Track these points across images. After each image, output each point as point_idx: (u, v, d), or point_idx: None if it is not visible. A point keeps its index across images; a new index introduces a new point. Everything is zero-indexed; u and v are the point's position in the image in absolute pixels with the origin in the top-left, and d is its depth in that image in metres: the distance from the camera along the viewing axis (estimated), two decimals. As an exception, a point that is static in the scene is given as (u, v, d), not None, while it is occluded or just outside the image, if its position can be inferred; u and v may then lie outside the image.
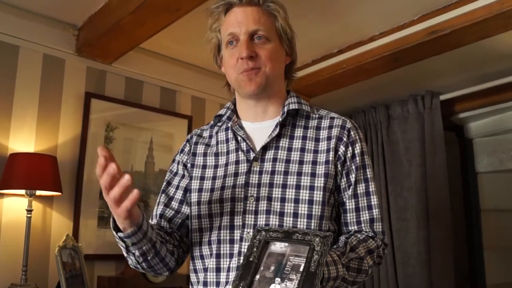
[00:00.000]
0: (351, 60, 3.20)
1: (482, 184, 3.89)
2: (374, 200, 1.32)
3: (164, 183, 1.46)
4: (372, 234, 1.29)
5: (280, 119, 1.33)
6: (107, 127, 3.07)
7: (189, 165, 1.43)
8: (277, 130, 1.32)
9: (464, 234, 4.03)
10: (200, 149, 1.44)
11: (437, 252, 3.55)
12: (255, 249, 1.05)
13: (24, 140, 2.71)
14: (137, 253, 1.22)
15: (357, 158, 1.32)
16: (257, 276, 1.00)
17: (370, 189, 1.32)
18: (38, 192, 2.56)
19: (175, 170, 1.46)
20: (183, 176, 1.43)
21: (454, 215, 3.69)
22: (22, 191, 2.52)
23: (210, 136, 1.45)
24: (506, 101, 3.56)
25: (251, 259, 1.03)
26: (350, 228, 1.31)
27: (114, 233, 1.17)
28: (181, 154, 1.47)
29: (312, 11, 2.74)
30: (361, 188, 1.31)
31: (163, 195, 1.44)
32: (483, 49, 3.02)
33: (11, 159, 2.51)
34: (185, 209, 1.40)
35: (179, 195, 1.42)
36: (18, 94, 2.73)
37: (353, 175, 1.31)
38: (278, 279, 0.97)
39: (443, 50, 2.92)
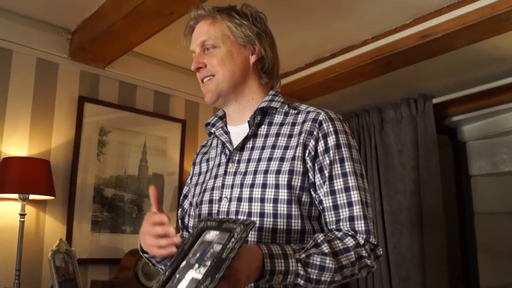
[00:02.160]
0: (344, 64, 3.21)
1: (476, 187, 3.91)
2: (354, 196, 1.21)
3: (182, 197, 1.57)
4: (352, 233, 1.19)
5: (248, 119, 1.35)
6: (101, 131, 3.07)
7: (192, 175, 1.53)
8: (248, 131, 1.34)
9: (458, 237, 4.05)
10: (199, 158, 1.54)
11: (431, 255, 3.56)
12: (190, 237, 1.07)
13: (17, 144, 2.70)
14: (163, 267, 1.36)
15: (331, 152, 1.24)
16: (183, 263, 1.03)
17: (350, 184, 1.22)
18: (31, 196, 2.56)
19: (188, 182, 1.57)
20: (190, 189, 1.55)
21: (447, 218, 3.70)
22: (15, 195, 2.52)
23: (211, 144, 1.53)
24: (499, 104, 3.58)
25: (185, 247, 1.06)
26: (330, 227, 1.23)
27: (141, 253, 1.35)
28: (192, 166, 1.57)
29: (305, 15, 2.75)
30: (338, 183, 1.22)
31: (180, 209, 1.57)
32: (475, 53, 3.04)
33: (4, 163, 2.50)
34: (192, 222, 1.51)
35: (188, 207, 1.54)
36: (11, 98, 2.72)
37: (327, 170, 1.23)
38: (196, 265, 0.98)
39: (435, 53, 2.94)
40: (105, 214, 3.02)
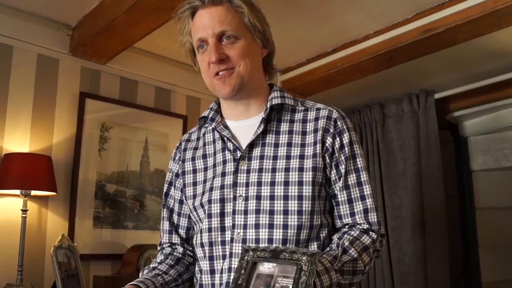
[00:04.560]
0: (346, 59, 3.20)
1: (477, 182, 3.90)
2: (367, 189, 1.29)
3: (163, 196, 1.49)
4: (367, 226, 1.26)
5: (264, 115, 1.31)
6: (102, 127, 3.06)
7: (180, 172, 1.44)
8: (262, 126, 1.30)
9: (459, 232, 4.04)
10: (189, 154, 1.44)
11: (432, 250, 3.56)
12: (243, 271, 1.02)
13: (18, 140, 2.70)
14: None
15: (346, 148, 1.28)
16: None
17: (362, 179, 1.29)
18: (33, 192, 2.56)
19: (169, 180, 1.49)
20: (175, 187, 1.46)
21: (449, 213, 3.70)
22: (17, 191, 2.52)
23: (198, 138, 1.46)
24: (501, 99, 3.57)
25: (239, 282, 1.00)
26: (344, 220, 1.28)
27: None
28: (173, 163, 1.49)
29: (307, 10, 2.75)
30: (352, 178, 1.28)
31: (164, 209, 1.48)
32: (477, 47, 3.03)
33: (6, 159, 2.50)
34: (183, 221, 1.45)
35: (176, 207, 1.46)
36: (12, 94, 2.72)
37: (343, 166, 1.27)
38: None
39: (437, 48, 2.93)
40: (107, 210, 3.02)
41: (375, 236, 1.26)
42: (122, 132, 3.16)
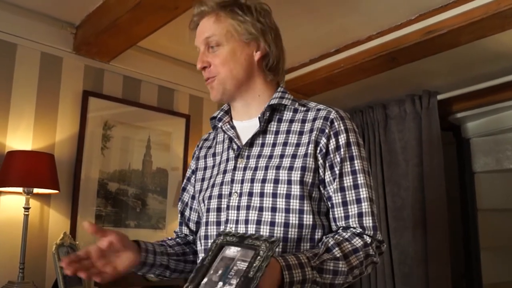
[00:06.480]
0: (349, 60, 3.20)
1: (479, 183, 3.90)
2: (363, 193, 1.25)
3: (181, 190, 1.58)
4: (360, 230, 1.23)
5: (260, 116, 1.34)
6: (105, 126, 3.07)
7: (195, 168, 1.53)
8: (260, 126, 1.34)
9: (461, 233, 4.04)
10: (203, 152, 1.53)
11: (433, 251, 3.56)
12: (210, 252, 1.06)
13: (21, 138, 2.71)
14: (153, 275, 1.39)
15: (342, 150, 1.27)
16: (205, 279, 1.01)
17: (359, 182, 1.26)
18: (36, 190, 2.57)
19: (188, 176, 1.57)
20: (190, 182, 1.55)
21: (451, 214, 3.70)
22: (20, 189, 2.53)
23: (213, 138, 1.53)
24: (503, 101, 3.57)
25: (205, 262, 1.04)
26: (338, 223, 1.26)
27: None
28: (192, 160, 1.57)
29: (310, 10, 2.75)
30: (347, 181, 1.26)
31: (180, 202, 1.57)
32: (480, 49, 3.03)
33: (9, 157, 2.51)
34: (194, 215, 1.52)
35: (189, 201, 1.54)
36: (16, 92, 2.73)
37: (338, 167, 1.26)
38: (221, 283, 0.97)
39: (440, 49, 2.93)
40: (109, 209, 3.03)
41: (369, 240, 1.23)
42: (124, 130, 3.17)
